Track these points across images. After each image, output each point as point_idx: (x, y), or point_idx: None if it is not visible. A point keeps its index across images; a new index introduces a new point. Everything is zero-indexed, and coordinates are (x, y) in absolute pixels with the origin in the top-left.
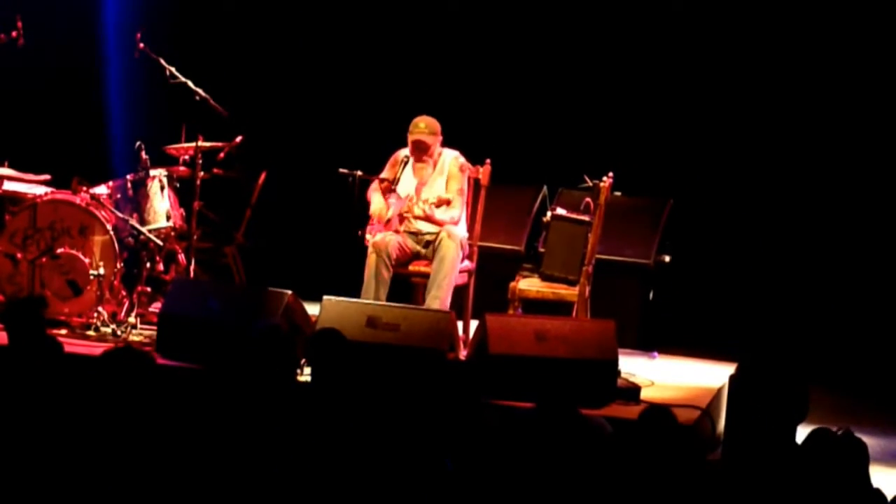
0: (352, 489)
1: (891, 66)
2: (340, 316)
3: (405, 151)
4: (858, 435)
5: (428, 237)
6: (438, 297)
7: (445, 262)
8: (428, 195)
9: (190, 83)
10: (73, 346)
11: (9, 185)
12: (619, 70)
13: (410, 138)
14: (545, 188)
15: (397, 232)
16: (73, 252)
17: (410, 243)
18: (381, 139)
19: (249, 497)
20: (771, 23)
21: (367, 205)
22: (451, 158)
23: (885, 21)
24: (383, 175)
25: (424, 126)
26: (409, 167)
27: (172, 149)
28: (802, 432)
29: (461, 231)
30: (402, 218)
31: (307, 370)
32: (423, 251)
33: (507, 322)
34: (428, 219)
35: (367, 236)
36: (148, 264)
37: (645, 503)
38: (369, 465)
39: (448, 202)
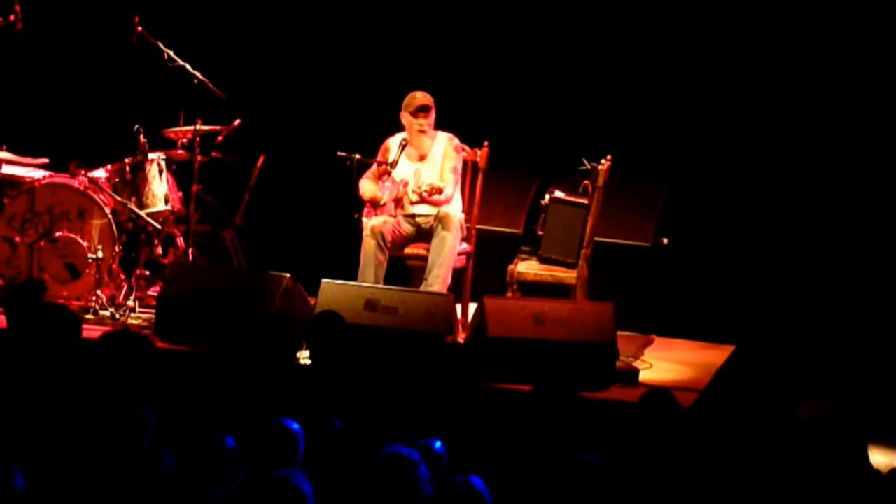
0: (351, 473)
1: (891, 61)
2: (339, 299)
3: (399, 136)
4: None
5: (423, 220)
6: (440, 276)
7: (446, 242)
8: (422, 180)
9: (188, 66)
10: None
11: (7, 169)
12: (617, 54)
13: (415, 104)
14: (543, 171)
15: (393, 216)
16: (72, 235)
17: (406, 226)
18: (379, 122)
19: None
20: (770, 10)
21: (357, 195)
22: (445, 139)
23: (885, 15)
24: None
25: (422, 95)
26: (406, 150)
27: (171, 132)
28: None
29: (458, 211)
30: (397, 202)
31: (306, 353)
32: (420, 232)
33: (505, 305)
34: (421, 199)
35: (364, 219)
36: (146, 248)
37: (646, 486)
38: (366, 448)
39: (440, 190)
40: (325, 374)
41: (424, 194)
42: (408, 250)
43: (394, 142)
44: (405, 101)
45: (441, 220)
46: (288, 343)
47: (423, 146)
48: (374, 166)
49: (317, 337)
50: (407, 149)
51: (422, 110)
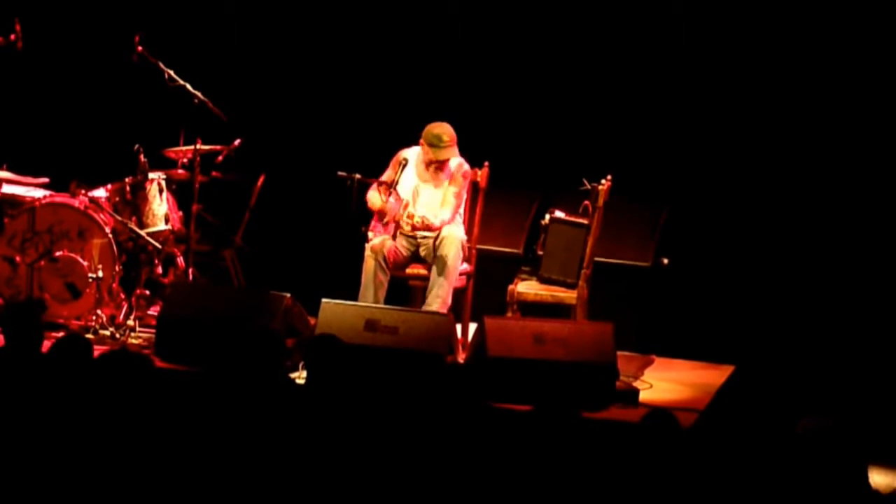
0: (349, 492)
1: (890, 74)
2: (339, 319)
3: (405, 153)
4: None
5: (424, 241)
6: (440, 297)
7: (446, 264)
8: (425, 202)
9: (189, 86)
10: None
11: (7, 188)
12: (618, 75)
13: (435, 155)
14: (543, 191)
15: (393, 237)
16: (72, 255)
17: (407, 247)
18: (379, 142)
19: (246, 501)
20: (769, 30)
21: (366, 206)
22: (455, 164)
23: (884, 27)
24: (384, 177)
25: (448, 139)
26: (408, 169)
27: (171, 152)
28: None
29: (460, 231)
30: (397, 223)
31: (304, 373)
32: (420, 254)
33: (505, 325)
34: (414, 228)
35: (370, 233)
36: (146, 267)
37: None
38: (367, 468)
39: (430, 228)
40: (321, 394)
41: (417, 224)
42: (409, 270)
43: (401, 157)
44: (431, 136)
45: (442, 241)
46: (275, 361)
47: (428, 176)
48: (375, 185)
49: (314, 360)
50: (418, 164)
51: (438, 168)
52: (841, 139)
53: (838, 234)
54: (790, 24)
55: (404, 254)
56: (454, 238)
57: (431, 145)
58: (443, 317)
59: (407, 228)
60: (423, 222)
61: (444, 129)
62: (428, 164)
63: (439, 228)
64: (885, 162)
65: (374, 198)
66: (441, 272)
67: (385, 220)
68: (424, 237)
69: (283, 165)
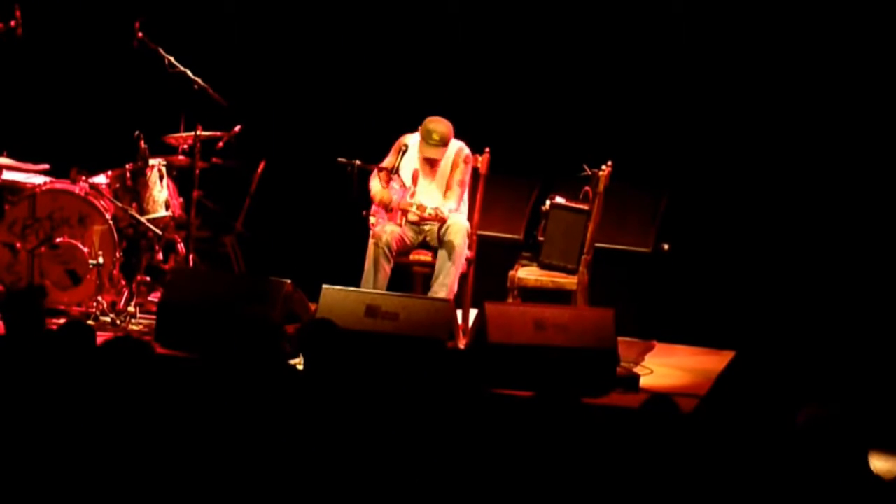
0: (349, 479)
1: (891, 62)
2: (339, 305)
3: (407, 138)
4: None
5: (429, 228)
6: (446, 285)
7: (453, 251)
8: (428, 191)
9: (189, 72)
10: None
11: (8, 175)
12: (618, 61)
13: (421, 150)
14: (544, 176)
15: (399, 224)
16: (73, 241)
17: (411, 234)
18: (380, 128)
19: (247, 489)
20: (770, 14)
21: (367, 193)
22: (455, 149)
23: (885, 15)
24: (385, 163)
25: (438, 138)
26: (408, 155)
27: (171, 138)
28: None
29: (465, 221)
30: (403, 211)
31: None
32: (425, 240)
33: (506, 311)
34: (422, 220)
35: (371, 218)
36: (147, 254)
37: (647, 492)
38: (367, 454)
39: (444, 220)
40: (320, 380)
41: (430, 215)
42: (412, 256)
43: (402, 142)
44: (424, 130)
45: (448, 230)
46: (270, 346)
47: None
48: (376, 171)
49: (311, 345)
50: (411, 152)
51: (427, 164)
52: (841, 126)
53: (839, 220)
54: (788, 12)
55: (409, 241)
56: (460, 227)
57: (422, 138)
58: (443, 303)
59: (415, 218)
60: (436, 213)
61: (437, 127)
62: (422, 157)
63: (453, 211)
64: (884, 149)
65: (376, 188)
66: (447, 261)
67: (390, 207)
68: (430, 225)
69: (283, 151)
